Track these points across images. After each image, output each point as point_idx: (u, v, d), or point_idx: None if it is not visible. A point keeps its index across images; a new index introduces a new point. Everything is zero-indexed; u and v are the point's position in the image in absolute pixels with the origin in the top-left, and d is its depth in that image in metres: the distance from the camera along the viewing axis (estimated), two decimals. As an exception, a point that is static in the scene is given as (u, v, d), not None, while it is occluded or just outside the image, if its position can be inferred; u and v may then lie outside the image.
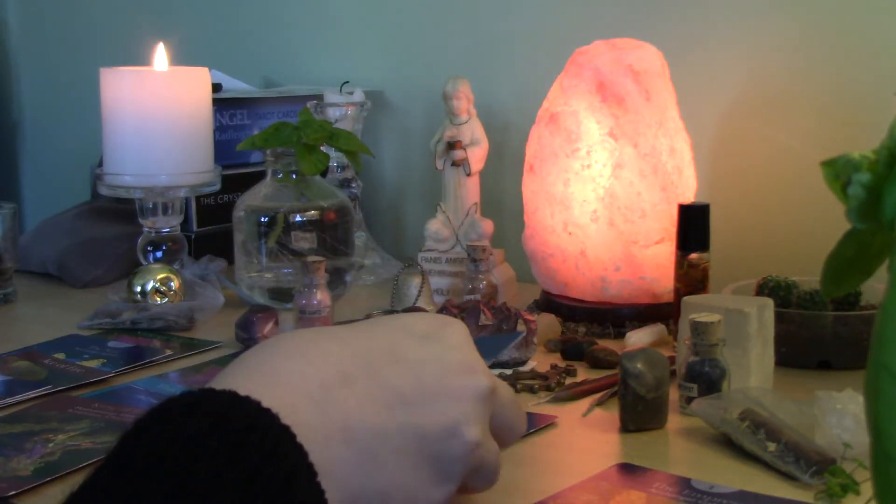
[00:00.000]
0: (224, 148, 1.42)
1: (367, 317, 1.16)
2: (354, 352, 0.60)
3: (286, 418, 0.51)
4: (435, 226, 1.27)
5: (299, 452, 0.50)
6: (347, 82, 1.50)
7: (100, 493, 0.47)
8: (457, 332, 0.65)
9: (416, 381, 0.60)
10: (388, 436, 0.57)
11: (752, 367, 0.91)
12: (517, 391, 0.95)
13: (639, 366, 0.85)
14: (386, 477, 0.57)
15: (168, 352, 1.08)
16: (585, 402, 0.92)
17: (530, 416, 0.88)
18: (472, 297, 1.16)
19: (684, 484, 0.75)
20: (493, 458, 0.64)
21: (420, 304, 1.18)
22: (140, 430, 0.49)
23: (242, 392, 0.52)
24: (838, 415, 0.79)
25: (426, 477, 0.59)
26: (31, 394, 0.95)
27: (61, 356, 1.05)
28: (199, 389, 0.52)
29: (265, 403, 0.51)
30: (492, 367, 1.00)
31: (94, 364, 1.03)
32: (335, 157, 1.36)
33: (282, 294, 1.23)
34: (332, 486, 0.52)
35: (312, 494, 0.50)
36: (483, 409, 0.62)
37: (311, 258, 1.15)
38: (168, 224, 1.25)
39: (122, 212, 1.43)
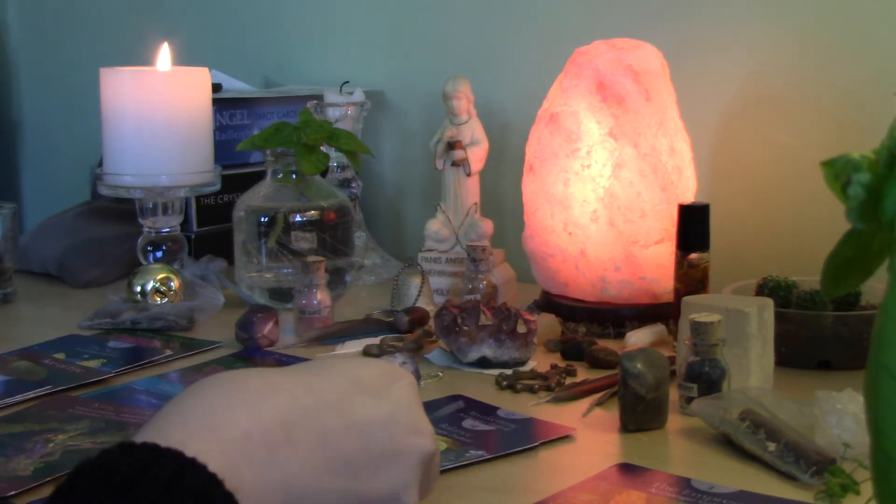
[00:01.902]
0: (224, 148, 1.42)
1: (367, 317, 1.16)
2: (302, 406, 0.58)
3: (228, 479, 0.50)
4: (435, 226, 1.27)
5: (228, 499, 0.49)
6: (347, 82, 1.50)
7: None
8: (406, 389, 0.64)
9: (363, 446, 0.59)
10: (328, 498, 0.57)
11: (752, 367, 0.91)
12: (517, 391, 0.95)
13: (639, 366, 0.85)
14: None
15: (168, 352, 1.08)
16: (585, 402, 0.92)
17: (543, 425, 0.88)
18: (472, 297, 1.16)
19: (684, 484, 0.75)
20: None
21: (420, 304, 1.18)
22: (65, 492, 0.48)
23: (178, 442, 0.50)
24: (838, 415, 0.79)
25: None
26: (31, 394, 0.95)
27: (61, 356, 1.05)
28: (120, 445, 0.50)
29: (203, 459, 0.50)
30: (493, 367, 1.01)
31: (94, 364, 1.03)
32: (335, 157, 1.36)
33: (282, 294, 1.23)
34: None
35: None
36: (422, 471, 0.62)
37: (311, 258, 1.15)
38: (168, 224, 1.25)
39: (122, 212, 1.43)
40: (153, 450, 0.49)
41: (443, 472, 0.78)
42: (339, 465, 0.58)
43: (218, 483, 0.49)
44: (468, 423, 0.87)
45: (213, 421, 0.54)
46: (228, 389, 0.57)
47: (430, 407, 0.92)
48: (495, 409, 0.90)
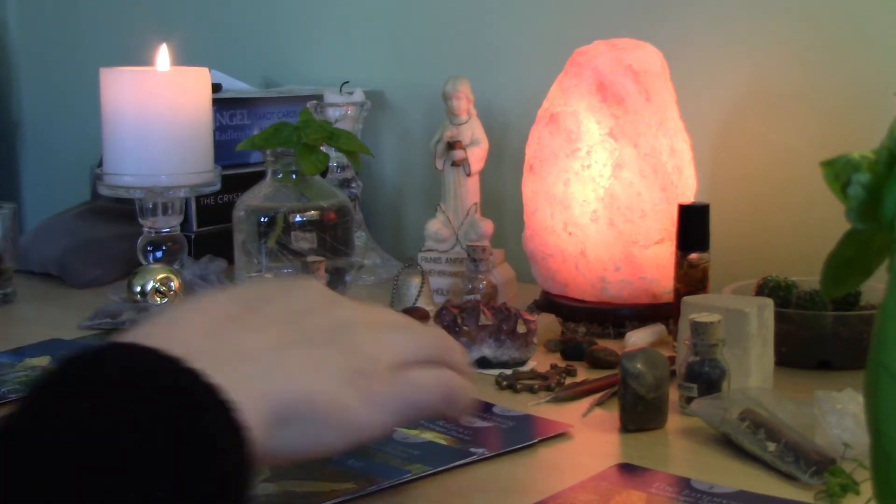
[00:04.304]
0: (224, 148, 1.42)
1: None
2: (233, 298, 0.61)
3: (182, 352, 0.51)
4: (435, 226, 1.27)
5: (194, 376, 0.50)
6: (347, 82, 1.50)
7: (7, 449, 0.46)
8: (315, 283, 0.66)
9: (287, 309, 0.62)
10: (288, 346, 0.58)
11: (752, 367, 0.91)
12: (517, 391, 0.95)
13: (639, 366, 0.85)
14: (302, 379, 0.57)
15: None
16: (585, 402, 0.92)
17: (541, 422, 0.88)
18: (472, 297, 1.16)
19: (684, 484, 0.75)
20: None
21: (420, 303, 1.18)
22: (47, 385, 0.49)
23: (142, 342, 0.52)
24: (838, 415, 0.79)
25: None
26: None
27: (46, 360, 1.04)
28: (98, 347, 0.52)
29: (158, 345, 0.51)
30: (493, 367, 1.01)
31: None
32: (335, 157, 1.36)
33: (282, 294, 1.22)
34: (247, 400, 0.52)
35: (219, 407, 0.50)
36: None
37: (311, 258, 1.15)
38: (168, 224, 1.25)
39: (122, 212, 1.43)
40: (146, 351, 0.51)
41: (443, 471, 0.78)
42: (280, 321, 0.61)
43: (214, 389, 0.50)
44: (465, 419, 0.87)
45: (163, 319, 0.58)
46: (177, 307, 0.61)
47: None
48: (491, 405, 0.91)
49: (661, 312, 1.12)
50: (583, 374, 1.00)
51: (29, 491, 0.44)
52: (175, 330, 0.56)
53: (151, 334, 0.54)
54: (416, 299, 1.19)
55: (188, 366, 0.50)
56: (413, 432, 0.85)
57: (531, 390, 0.95)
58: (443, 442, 0.83)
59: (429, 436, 0.84)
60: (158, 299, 1.20)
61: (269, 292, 0.63)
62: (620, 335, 1.11)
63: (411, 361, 0.63)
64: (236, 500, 0.49)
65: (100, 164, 1.27)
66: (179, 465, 0.47)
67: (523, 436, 0.84)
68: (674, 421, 0.87)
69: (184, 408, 0.48)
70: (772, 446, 0.77)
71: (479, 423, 0.87)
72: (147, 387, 0.49)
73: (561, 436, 0.85)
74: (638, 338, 1.07)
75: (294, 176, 1.25)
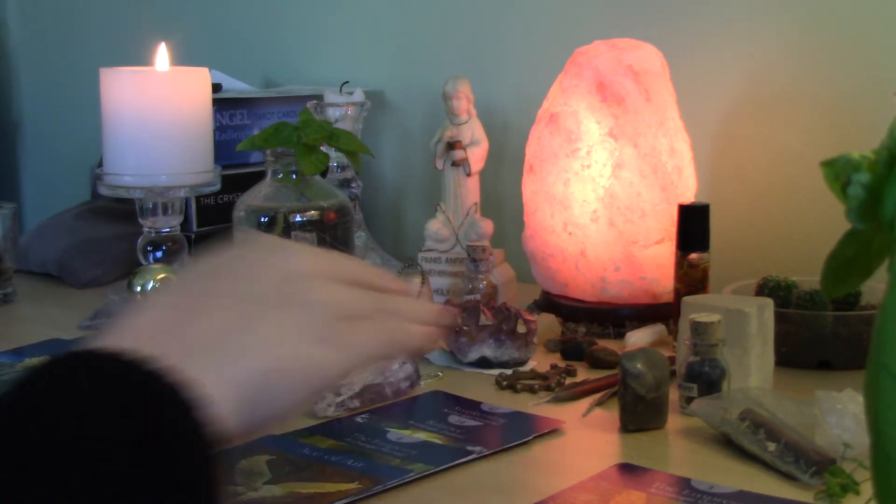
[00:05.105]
0: (224, 148, 1.42)
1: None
2: (184, 285, 0.62)
3: (145, 351, 0.50)
4: (435, 226, 1.27)
5: (156, 378, 0.49)
6: (347, 82, 1.50)
7: None
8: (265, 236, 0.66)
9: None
10: (247, 321, 0.57)
11: (752, 367, 0.91)
12: (517, 391, 0.95)
13: (639, 366, 0.85)
14: (270, 351, 0.56)
15: None
16: (585, 402, 0.92)
17: (534, 419, 0.88)
18: (472, 297, 1.16)
19: (684, 484, 0.75)
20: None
21: (420, 304, 1.18)
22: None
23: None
24: (838, 415, 0.79)
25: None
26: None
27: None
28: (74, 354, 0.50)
29: (123, 347, 0.50)
30: (493, 367, 1.01)
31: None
32: (335, 157, 1.35)
33: (282, 294, 1.22)
34: (215, 389, 0.51)
35: (180, 407, 0.49)
36: None
37: (311, 258, 1.15)
38: (168, 224, 1.25)
39: (122, 212, 1.43)
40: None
41: (444, 471, 0.78)
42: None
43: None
44: (454, 419, 0.88)
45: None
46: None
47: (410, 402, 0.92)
48: (479, 403, 0.91)
49: (661, 312, 1.12)
50: (583, 374, 1.00)
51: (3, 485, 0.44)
52: (136, 330, 0.55)
53: (115, 336, 0.53)
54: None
55: (150, 367, 0.49)
56: (406, 432, 0.85)
57: (531, 390, 0.95)
58: (438, 441, 0.83)
59: (422, 435, 0.84)
60: (158, 299, 1.20)
61: (219, 264, 0.62)
62: (620, 335, 1.11)
63: (362, 313, 0.62)
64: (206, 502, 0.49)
65: (100, 164, 1.27)
66: (143, 470, 0.46)
67: (518, 432, 0.84)
68: (674, 421, 0.87)
69: (145, 412, 0.48)
70: (772, 446, 0.77)
71: (469, 422, 0.87)
72: (111, 395, 0.48)
73: (561, 436, 0.85)
74: (638, 338, 1.07)
75: (294, 176, 1.24)
